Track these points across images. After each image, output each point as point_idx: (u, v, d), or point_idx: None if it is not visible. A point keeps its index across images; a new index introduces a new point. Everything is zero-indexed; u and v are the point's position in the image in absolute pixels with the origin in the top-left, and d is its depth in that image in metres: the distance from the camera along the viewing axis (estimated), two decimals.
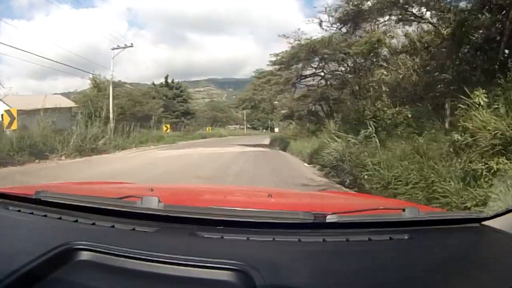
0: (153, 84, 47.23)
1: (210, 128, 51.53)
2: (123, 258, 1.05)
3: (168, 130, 31.14)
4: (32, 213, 1.38)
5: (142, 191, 1.87)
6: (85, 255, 1.06)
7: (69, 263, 1.03)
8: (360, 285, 1.00)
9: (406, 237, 1.23)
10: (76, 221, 1.30)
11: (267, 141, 36.17)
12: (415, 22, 12.97)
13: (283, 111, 31.43)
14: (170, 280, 1.00)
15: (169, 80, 49.18)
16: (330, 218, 1.26)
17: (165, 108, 41.89)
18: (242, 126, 74.23)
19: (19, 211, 1.41)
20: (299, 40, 21.15)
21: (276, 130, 49.09)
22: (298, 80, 25.11)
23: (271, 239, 1.20)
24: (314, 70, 24.18)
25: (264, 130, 75.99)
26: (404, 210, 1.34)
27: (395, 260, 1.13)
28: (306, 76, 25.57)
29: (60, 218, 1.33)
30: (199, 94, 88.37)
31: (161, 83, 49.23)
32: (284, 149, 21.08)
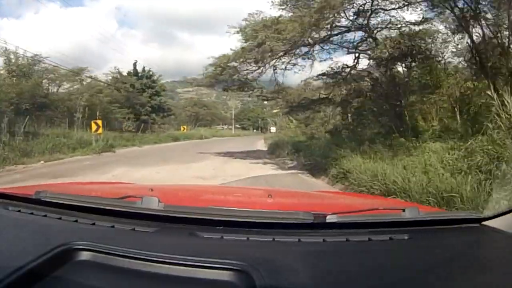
0: (118, 72, 37.41)
1: (185, 127, 42.68)
2: (123, 258, 1.04)
3: (100, 131, 20.02)
4: (32, 213, 1.37)
5: (142, 191, 1.87)
6: (85, 255, 1.06)
7: (69, 263, 1.03)
8: (360, 285, 0.99)
9: (406, 237, 1.23)
10: (76, 221, 1.30)
11: (262, 144, 29.06)
12: None
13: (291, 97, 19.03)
14: (170, 280, 0.99)
15: (140, 68, 41.07)
16: (330, 218, 1.25)
17: (126, 102, 33.57)
18: (230, 126, 67.69)
19: (19, 211, 1.40)
20: None
21: (273, 130, 42.81)
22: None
23: (271, 239, 1.19)
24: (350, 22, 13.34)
25: (254, 131, 70.38)
26: (404, 210, 1.32)
27: (395, 260, 1.13)
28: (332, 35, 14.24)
29: (60, 218, 1.32)
30: (189, 94, 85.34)
31: (129, 71, 39.68)
32: (314, 172, 10.46)
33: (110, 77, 32.91)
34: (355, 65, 15.25)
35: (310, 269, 1.05)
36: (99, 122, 19.51)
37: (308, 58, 15.88)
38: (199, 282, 0.99)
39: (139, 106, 34.72)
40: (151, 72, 40.08)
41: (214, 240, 1.19)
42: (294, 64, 16.35)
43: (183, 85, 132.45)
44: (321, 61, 16.68)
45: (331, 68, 15.71)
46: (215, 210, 1.33)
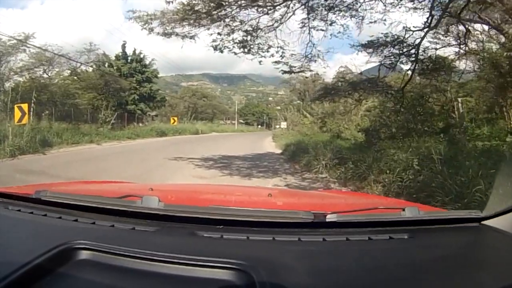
0: (104, 54, 30.26)
1: (176, 119, 34.78)
2: (123, 258, 1.05)
3: (25, 120, 12.70)
4: (32, 213, 1.39)
5: (142, 190, 1.82)
6: (85, 254, 1.07)
7: (69, 262, 1.04)
8: (360, 284, 1.00)
9: (406, 237, 1.26)
10: (76, 220, 1.32)
11: (271, 143, 22.85)
12: None
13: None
14: (170, 279, 1.00)
15: (130, 51, 33.94)
16: (330, 218, 1.27)
17: (104, 87, 25.93)
18: (234, 121, 60.96)
19: (19, 210, 1.42)
20: None
21: (283, 125, 35.02)
22: None
23: (271, 238, 1.20)
24: None
25: (259, 126, 65.13)
26: (404, 209, 1.34)
27: (395, 259, 1.15)
28: None
29: (60, 218, 1.34)
30: (193, 88, 73.29)
31: (117, 54, 33.02)
32: None
33: (85, 56, 25.41)
34: (432, 24, 9.74)
35: (310, 268, 1.06)
36: (25, 106, 12.13)
37: (352, 16, 10.41)
38: (199, 281, 0.99)
39: (122, 92, 27.63)
40: (142, 55, 35.28)
41: (214, 240, 1.20)
42: (332, 23, 10.49)
43: (187, 79, 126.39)
44: (370, 22, 10.71)
45: (384, 34, 10.49)
46: (215, 210, 1.35)
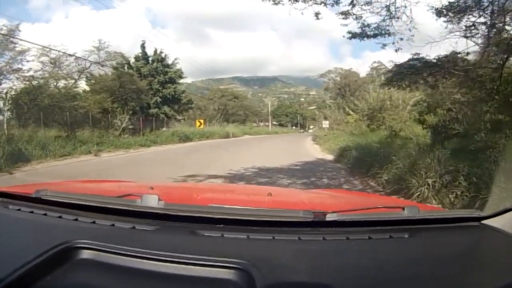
0: (121, 54, 27.05)
1: (202, 121, 24.63)
2: (123, 257, 1.06)
3: None
4: (32, 212, 1.41)
5: (142, 189, 1.83)
6: (85, 254, 1.08)
7: (69, 262, 1.05)
8: (360, 284, 1.01)
9: (406, 236, 1.27)
10: (76, 219, 1.34)
11: (313, 146, 21.21)
12: None
13: None
14: (170, 278, 1.01)
15: (151, 51, 31.08)
16: (330, 217, 1.29)
17: (120, 89, 23.00)
18: (267, 123, 58.12)
19: (19, 210, 1.45)
20: None
21: (325, 124, 30.54)
22: None
23: (271, 237, 1.22)
24: None
25: (293, 127, 61.99)
26: (404, 209, 1.35)
27: (395, 259, 1.16)
28: None
29: (60, 217, 1.36)
30: (222, 88, 72.03)
31: (137, 54, 30.30)
32: None
33: (96, 55, 22.52)
34: None
35: (310, 268, 1.06)
36: None
37: None
38: (199, 280, 0.99)
39: (143, 95, 24.48)
40: (163, 55, 32.50)
41: (214, 239, 1.22)
42: None
43: (217, 82, 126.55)
44: None
45: None
46: (215, 209, 1.36)
